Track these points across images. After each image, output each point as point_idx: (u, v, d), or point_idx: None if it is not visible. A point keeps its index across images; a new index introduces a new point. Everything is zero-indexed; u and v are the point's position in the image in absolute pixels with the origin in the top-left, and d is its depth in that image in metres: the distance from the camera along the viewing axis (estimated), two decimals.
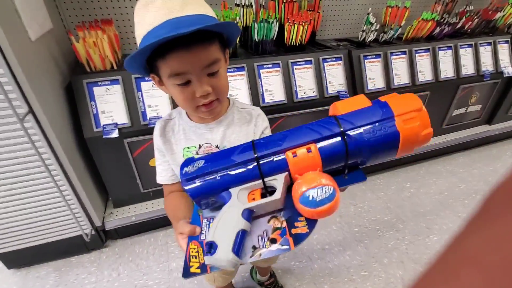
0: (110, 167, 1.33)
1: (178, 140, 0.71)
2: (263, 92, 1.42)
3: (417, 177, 2.02)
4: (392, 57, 1.62)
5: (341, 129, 0.47)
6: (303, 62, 1.48)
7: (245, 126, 0.72)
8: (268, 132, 0.76)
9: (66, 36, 1.34)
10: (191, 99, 0.58)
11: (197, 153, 0.71)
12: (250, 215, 0.49)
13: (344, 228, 1.62)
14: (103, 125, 1.20)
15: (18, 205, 1.16)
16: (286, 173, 0.49)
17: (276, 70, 1.44)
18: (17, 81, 0.91)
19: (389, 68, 1.62)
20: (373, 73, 1.59)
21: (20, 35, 0.95)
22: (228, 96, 0.71)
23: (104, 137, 1.18)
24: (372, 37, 1.59)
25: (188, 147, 0.71)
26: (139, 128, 1.25)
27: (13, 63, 0.88)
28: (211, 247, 0.46)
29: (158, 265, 1.42)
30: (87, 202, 1.27)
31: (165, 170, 0.73)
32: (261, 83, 1.42)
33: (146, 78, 1.24)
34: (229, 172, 0.50)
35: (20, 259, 1.38)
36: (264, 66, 1.42)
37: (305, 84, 1.49)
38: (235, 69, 1.37)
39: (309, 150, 0.47)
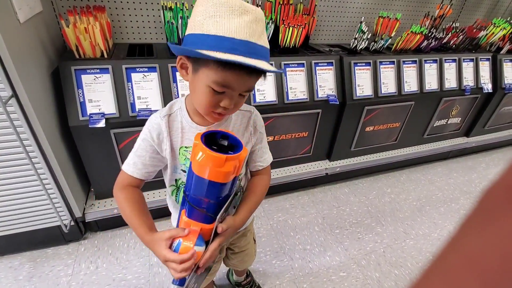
0: (94, 158, 1.30)
1: (176, 138, 0.70)
2: (254, 92, 1.43)
3: (397, 183, 2.09)
4: (381, 66, 1.67)
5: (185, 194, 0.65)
6: (296, 65, 1.50)
7: (242, 127, 0.74)
8: (263, 132, 0.78)
9: (56, 20, 1.30)
10: (214, 105, 0.59)
11: None
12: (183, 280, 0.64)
13: (326, 229, 1.66)
14: (90, 114, 1.17)
15: None
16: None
17: None
18: (2, 63, 0.87)
19: (378, 77, 1.67)
20: (362, 80, 1.64)
21: (9, 17, 0.91)
22: None
23: (90, 126, 1.15)
24: (363, 45, 1.63)
25: (186, 147, 0.70)
26: (127, 120, 1.22)
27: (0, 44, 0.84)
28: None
29: (138, 259, 1.40)
30: (68, 192, 1.24)
31: (143, 165, 0.70)
32: None
33: (137, 69, 1.22)
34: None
35: None
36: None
37: (297, 86, 1.51)
38: None
39: (183, 215, 0.64)
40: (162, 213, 1.34)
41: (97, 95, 1.18)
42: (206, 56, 0.51)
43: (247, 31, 0.52)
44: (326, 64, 1.56)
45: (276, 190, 1.84)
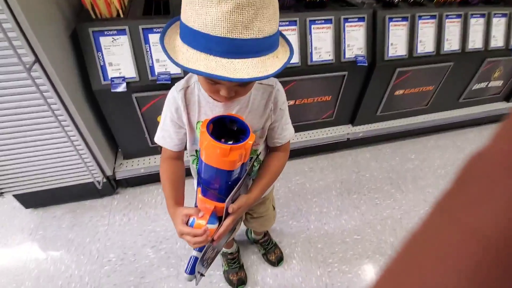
0: (119, 121, 1.34)
1: (193, 112, 0.69)
2: None
3: (423, 150, 2.01)
4: (420, 21, 1.48)
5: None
6: (322, 21, 1.37)
7: (262, 104, 0.70)
8: (285, 107, 0.74)
9: None
10: (214, 92, 0.57)
11: None
12: (200, 248, 0.70)
13: (344, 194, 1.68)
14: (111, 78, 1.17)
15: (32, 151, 1.21)
16: None
17: (292, 29, 1.34)
18: (21, 29, 0.87)
19: (415, 34, 1.49)
20: (396, 38, 1.48)
21: None
22: None
23: (112, 90, 1.16)
24: None
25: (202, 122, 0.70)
26: (147, 83, 1.22)
27: (16, 8, 0.83)
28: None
29: (165, 214, 1.52)
30: (97, 152, 1.31)
31: (171, 139, 0.72)
32: None
33: (154, 30, 1.17)
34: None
35: (36, 200, 1.48)
36: (280, 23, 1.32)
37: (322, 46, 1.40)
38: None
39: (198, 193, 0.67)
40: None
41: (116, 58, 1.16)
42: (172, 62, 0.48)
43: (225, 25, 0.43)
44: (356, 19, 1.41)
45: (296, 153, 1.84)
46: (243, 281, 1.25)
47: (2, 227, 1.46)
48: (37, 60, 0.94)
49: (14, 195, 1.42)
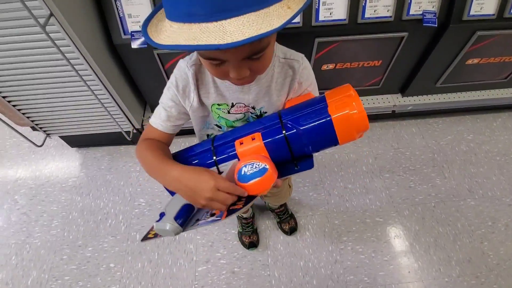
0: (143, 76, 1.30)
1: (206, 93, 0.60)
2: (319, 6, 1.10)
3: (485, 130, 1.70)
4: None
5: (280, 118, 0.53)
6: None
7: (285, 84, 0.61)
8: (312, 89, 0.63)
9: None
10: (224, 76, 0.48)
11: (229, 112, 0.62)
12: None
13: (375, 171, 1.55)
14: (131, 31, 1.09)
15: (65, 101, 1.26)
16: (236, 159, 0.54)
17: None
18: None
19: None
20: None
21: None
22: None
23: (132, 46, 1.09)
24: None
25: (218, 104, 0.62)
26: None
27: None
28: (161, 217, 0.51)
29: None
30: (123, 105, 1.32)
31: (168, 117, 0.61)
32: None
33: None
34: (192, 162, 0.59)
35: (79, 141, 1.62)
36: None
37: None
38: None
39: (253, 138, 0.52)
40: None
41: (136, 9, 1.06)
42: (153, 44, 0.40)
43: None
44: None
45: None
46: (254, 244, 1.31)
47: (54, 160, 1.67)
48: (52, 14, 0.89)
49: (60, 136, 1.57)
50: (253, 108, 0.62)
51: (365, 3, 1.11)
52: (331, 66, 1.32)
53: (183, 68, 0.58)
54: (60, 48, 0.97)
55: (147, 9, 1.05)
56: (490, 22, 1.15)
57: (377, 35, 1.19)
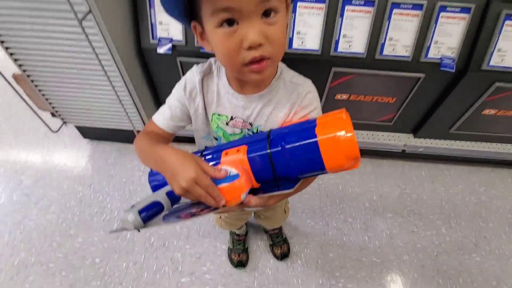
0: (163, 80, 1.36)
1: (210, 101, 0.62)
2: (339, 37, 1.14)
3: (499, 184, 1.63)
4: None
5: (268, 135, 0.52)
6: (410, 6, 1.09)
7: (287, 107, 0.60)
8: (315, 115, 0.62)
9: None
10: (237, 50, 0.45)
11: (227, 124, 0.63)
12: (174, 198, 0.49)
13: (378, 209, 1.50)
14: (159, 37, 1.16)
15: (88, 93, 1.33)
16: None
17: (367, 10, 1.10)
18: None
19: None
20: (509, 42, 1.11)
21: None
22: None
23: (157, 50, 1.15)
24: None
25: (219, 114, 0.63)
26: (193, 49, 1.18)
27: None
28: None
29: None
30: (139, 104, 1.37)
31: (172, 116, 0.62)
32: (341, 24, 1.12)
33: None
34: None
35: (92, 133, 1.68)
36: (353, 1, 1.09)
37: (400, 37, 1.14)
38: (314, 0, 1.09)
39: (238, 150, 0.52)
40: None
41: (166, 17, 1.12)
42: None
43: None
44: (458, 10, 1.08)
45: None
46: (243, 263, 1.27)
47: (65, 147, 1.72)
48: (90, 11, 0.97)
49: (75, 126, 1.64)
50: (250, 124, 0.62)
51: (385, 41, 1.14)
52: (345, 96, 1.34)
53: (194, 73, 0.61)
54: (92, 43, 1.04)
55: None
56: (510, 74, 1.15)
57: (393, 72, 1.21)
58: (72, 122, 1.56)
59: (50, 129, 1.38)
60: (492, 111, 1.32)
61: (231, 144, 0.56)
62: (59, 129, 1.49)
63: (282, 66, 0.61)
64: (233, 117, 0.62)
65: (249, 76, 0.49)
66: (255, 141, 0.53)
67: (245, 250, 1.31)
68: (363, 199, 1.54)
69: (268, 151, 0.49)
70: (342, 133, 0.45)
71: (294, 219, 1.45)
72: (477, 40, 1.12)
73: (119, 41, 1.11)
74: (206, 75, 0.61)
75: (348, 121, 0.46)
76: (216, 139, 0.69)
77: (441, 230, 1.44)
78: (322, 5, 1.09)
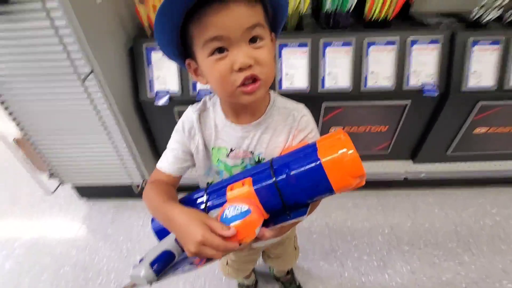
0: (161, 130, 1.40)
1: (208, 135, 0.64)
2: (324, 75, 1.23)
3: (510, 204, 1.58)
4: None
5: (271, 164, 0.52)
6: (384, 43, 1.20)
7: (284, 132, 0.62)
8: (313, 137, 0.63)
9: None
10: (229, 73, 0.48)
11: (227, 156, 0.64)
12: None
13: (392, 242, 1.42)
14: (156, 91, 1.23)
15: (86, 150, 1.34)
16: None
17: (346, 50, 1.21)
18: (80, 42, 0.97)
19: (510, 61, 1.19)
20: (481, 65, 1.20)
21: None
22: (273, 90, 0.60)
23: (155, 103, 1.21)
24: (493, 15, 1.16)
25: (219, 148, 0.64)
26: (189, 98, 1.24)
27: (76, 24, 0.92)
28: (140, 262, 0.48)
29: None
30: (139, 158, 1.38)
31: (176, 159, 0.64)
32: (325, 63, 1.22)
33: None
34: None
35: (88, 192, 1.65)
36: (332, 44, 1.20)
37: (380, 70, 1.23)
38: (297, 45, 1.20)
39: (243, 184, 0.51)
40: None
41: (163, 72, 1.22)
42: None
43: None
44: (428, 42, 1.19)
45: None
46: None
47: (60, 210, 1.67)
48: (92, 71, 1.04)
49: (72, 186, 1.61)
50: (251, 153, 0.63)
51: (367, 74, 1.23)
52: (338, 129, 1.38)
53: (190, 112, 0.64)
54: (93, 100, 1.10)
55: (174, 73, 1.21)
56: (491, 93, 1.22)
57: (380, 101, 1.27)
58: (70, 181, 1.54)
59: (46, 191, 1.35)
60: (483, 129, 1.36)
61: (234, 178, 0.56)
62: (55, 190, 1.46)
63: (274, 95, 0.64)
64: (233, 149, 0.63)
65: (242, 99, 0.51)
66: (258, 172, 0.53)
67: None
68: (374, 233, 1.46)
69: (274, 179, 0.49)
70: (345, 152, 0.45)
71: (305, 262, 1.35)
72: (451, 66, 1.21)
73: (118, 96, 1.17)
74: (202, 112, 0.63)
75: (347, 139, 0.47)
76: (218, 173, 0.69)
77: (463, 258, 1.34)
78: (306, 49, 1.20)
